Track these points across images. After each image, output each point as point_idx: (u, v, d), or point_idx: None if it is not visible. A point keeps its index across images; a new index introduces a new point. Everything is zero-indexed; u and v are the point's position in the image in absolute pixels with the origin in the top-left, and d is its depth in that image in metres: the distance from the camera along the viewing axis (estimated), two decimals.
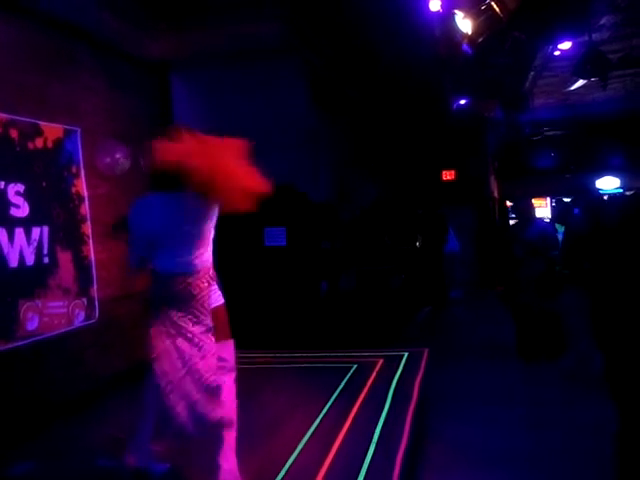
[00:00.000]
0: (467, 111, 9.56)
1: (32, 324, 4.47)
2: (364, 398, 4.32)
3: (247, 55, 6.37)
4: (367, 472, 3.11)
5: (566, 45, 6.58)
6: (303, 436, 3.60)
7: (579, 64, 6.66)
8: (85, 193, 5.14)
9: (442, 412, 4.37)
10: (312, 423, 3.82)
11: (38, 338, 4.51)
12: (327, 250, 7.34)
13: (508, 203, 13.20)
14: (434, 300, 8.37)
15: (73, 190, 5.01)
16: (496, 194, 13.16)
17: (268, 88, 6.68)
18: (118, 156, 5.19)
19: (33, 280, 4.52)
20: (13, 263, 4.32)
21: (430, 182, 11.45)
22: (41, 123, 4.70)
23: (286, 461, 3.25)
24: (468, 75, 7.57)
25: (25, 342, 4.38)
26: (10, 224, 4.31)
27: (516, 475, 3.46)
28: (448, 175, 11.78)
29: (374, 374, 4.89)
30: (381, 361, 5.20)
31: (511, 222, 12.87)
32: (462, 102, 9.22)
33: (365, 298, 7.26)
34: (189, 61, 6.63)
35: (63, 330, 4.79)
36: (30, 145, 4.59)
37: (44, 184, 4.67)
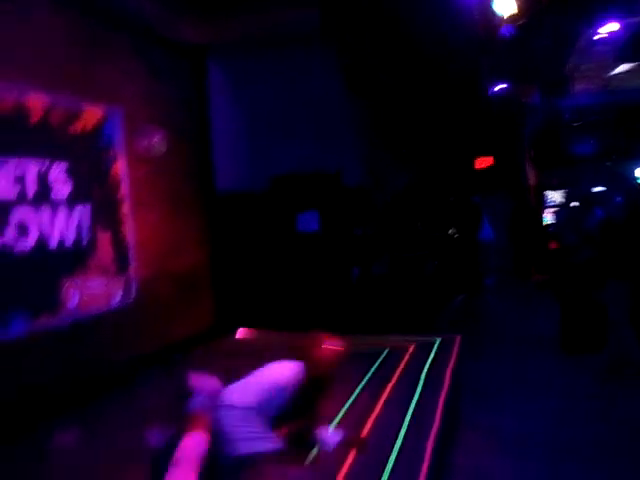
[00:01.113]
0: (504, 96, 9.35)
1: (73, 302, 4.60)
2: (396, 382, 4.33)
3: (282, 41, 6.38)
4: (398, 454, 3.12)
5: (613, 27, 6.32)
6: (334, 419, 3.62)
7: (625, 47, 6.43)
8: (124, 174, 5.24)
9: (476, 400, 4.34)
10: (343, 406, 3.85)
11: (78, 316, 4.64)
12: (359, 236, 7.32)
13: (550, 192, 12.85)
14: (468, 287, 8.27)
15: (112, 171, 5.12)
16: (532, 182, 12.88)
17: (303, 74, 6.68)
18: (156, 139, 5.28)
19: (74, 259, 4.65)
20: (55, 242, 4.45)
21: (464, 168, 11.26)
22: (82, 106, 4.80)
23: None
24: (507, 59, 7.40)
25: (65, 320, 4.52)
26: (53, 205, 4.44)
27: (548, 464, 3.43)
28: (483, 162, 11.57)
29: (406, 359, 4.88)
30: (413, 346, 5.19)
31: (546, 211, 12.62)
32: (500, 87, 9.02)
33: (397, 284, 7.22)
34: (226, 48, 6.67)
35: (102, 309, 4.92)
36: (71, 128, 4.69)
37: (85, 165, 4.78)
